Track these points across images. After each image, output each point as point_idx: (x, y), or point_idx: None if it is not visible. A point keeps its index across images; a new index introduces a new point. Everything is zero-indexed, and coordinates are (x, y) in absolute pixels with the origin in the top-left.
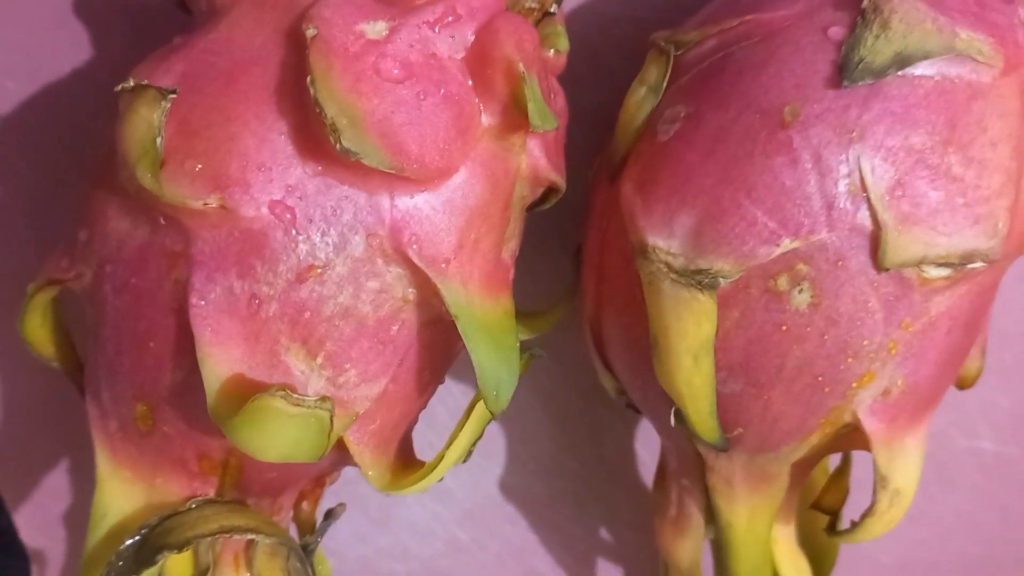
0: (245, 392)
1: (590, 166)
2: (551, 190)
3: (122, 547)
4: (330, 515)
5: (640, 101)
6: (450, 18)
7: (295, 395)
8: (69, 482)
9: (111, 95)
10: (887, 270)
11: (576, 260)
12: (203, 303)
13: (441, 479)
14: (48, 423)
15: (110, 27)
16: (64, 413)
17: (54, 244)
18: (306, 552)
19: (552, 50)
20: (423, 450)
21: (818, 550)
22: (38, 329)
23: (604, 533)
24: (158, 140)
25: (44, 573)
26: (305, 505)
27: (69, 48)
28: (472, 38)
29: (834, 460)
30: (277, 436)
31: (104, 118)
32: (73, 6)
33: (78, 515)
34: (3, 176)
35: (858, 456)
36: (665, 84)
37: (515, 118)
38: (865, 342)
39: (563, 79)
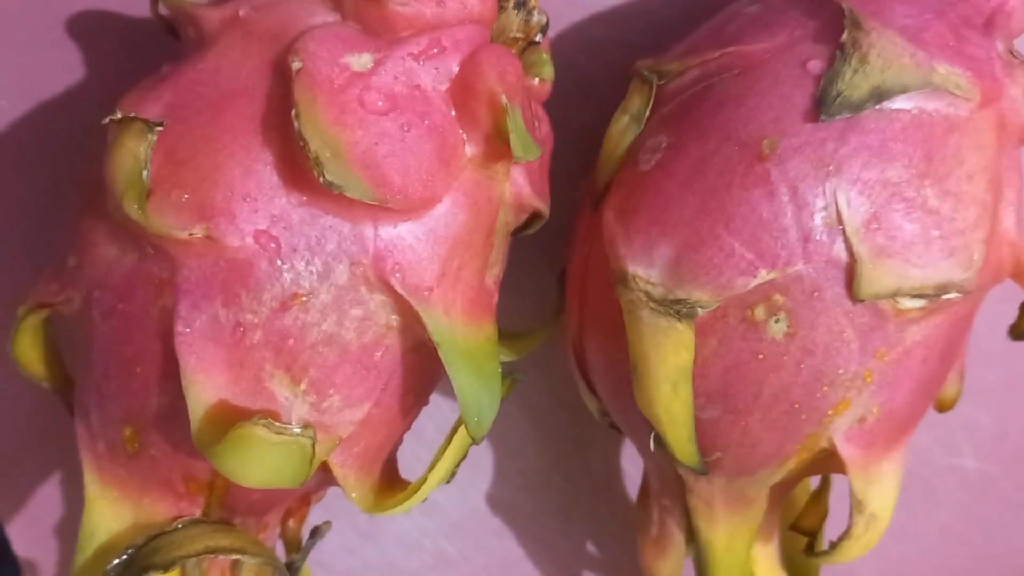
0: (229, 418)
1: (577, 187)
2: (535, 216)
3: (110, 567)
4: (316, 533)
5: (623, 130)
6: (435, 50)
7: (277, 424)
8: (60, 494)
9: (104, 114)
10: (862, 301)
11: (561, 282)
12: (188, 331)
13: (425, 500)
14: (39, 435)
15: (103, 46)
16: (55, 425)
17: (48, 261)
18: (291, 571)
19: (537, 79)
20: (411, 464)
21: (799, 569)
22: (28, 350)
23: (590, 546)
24: (144, 173)
25: None
26: (291, 523)
27: (62, 67)
28: (456, 69)
29: (814, 481)
30: (259, 463)
31: (97, 137)
32: (66, 26)
33: (69, 526)
34: None
35: (837, 476)
36: (647, 113)
37: (498, 148)
38: (841, 371)
39: (550, 100)
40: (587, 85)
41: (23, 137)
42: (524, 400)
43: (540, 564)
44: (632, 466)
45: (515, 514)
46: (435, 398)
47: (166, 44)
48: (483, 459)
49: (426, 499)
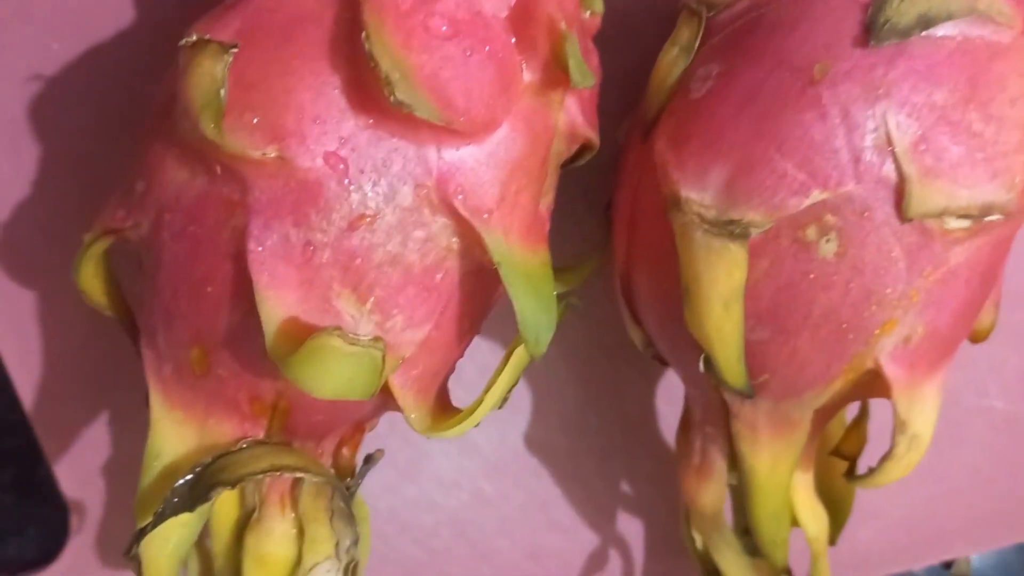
0: (300, 334)
1: (618, 127)
2: (585, 147)
3: (177, 484)
4: (369, 460)
5: (672, 61)
6: None
7: (351, 335)
8: (108, 435)
9: (155, 55)
10: (910, 221)
11: (606, 217)
12: (260, 249)
13: (477, 424)
14: (86, 376)
15: None
16: (102, 367)
17: (100, 202)
18: (348, 493)
19: (588, 12)
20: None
21: (835, 499)
22: (91, 279)
23: (625, 486)
24: (221, 92)
25: (83, 524)
26: (345, 451)
27: (113, 10)
28: None
29: (851, 412)
30: (333, 373)
31: (149, 78)
32: None
33: (117, 467)
34: (49, 137)
35: (874, 409)
36: (697, 44)
37: (555, 75)
38: (888, 290)
39: (594, 42)
40: (629, 26)
41: (76, 79)
42: (562, 343)
43: (576, 503)
44: (667, 407)
45: (552, 454)
46: (475, 340)
47: None
48: (521, 400)
49: (477, 425)
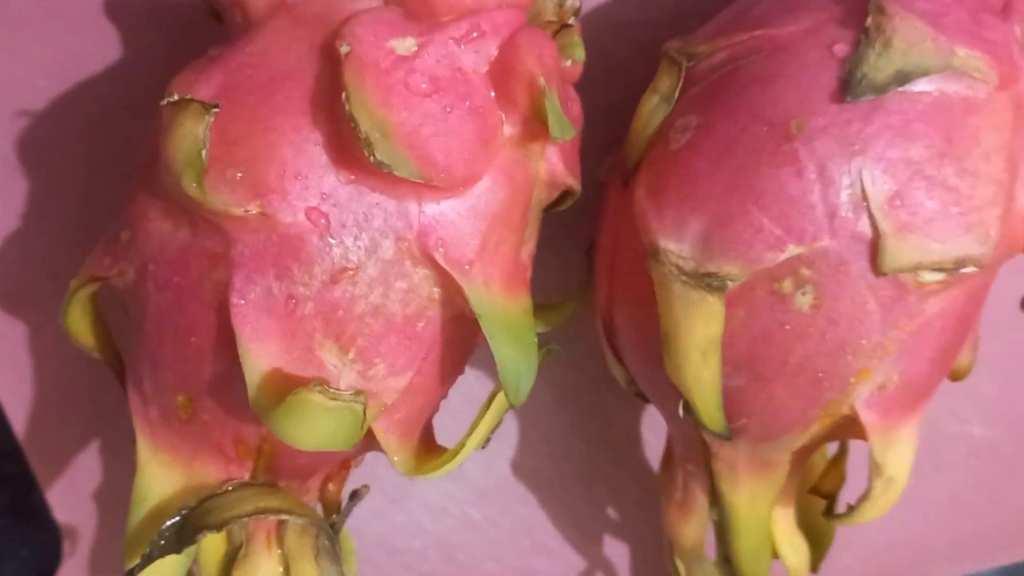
0: (283, 385)
1: (600, 164)
2: (567, 193)
3: (164, 527)
4: (355, 496)
5: (653, 109)
6: (475, 34)
7: (332, 390)
8: (100, 461)
9: (143, 92)
10: (885, 275)
11: (589, 256)
12: (243, 302)
13: (460, 464)
14: (80, 403)
15: (141, 25)
16: (95, 393)
17: (88, 237)
18: (333, 531)
19: (569, 60)
20: (438, 432)
21: (816, 531)
22: (79, 321)
23: (611, 511)
24: (203, 152)
25: (75, 548)
26: (331, 486)
27: (101, 46)
28: (495, 52)
29: (832, 447)
30: (315, 427)
31: (135, 115)
32: (106, 5)
33: (109, 493)
34: (37, 172)
35: (855, 442)
36: (677, 94)
37: (535, 128)
38: (863, 341)
39: (577, 81)
40: (613, 65)
41: (62, 116)
42: (549, 371)
43: (563, 528)
44: (652, 434)
45: (539, 480)
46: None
47: (205, 25)
48: (509, 428)
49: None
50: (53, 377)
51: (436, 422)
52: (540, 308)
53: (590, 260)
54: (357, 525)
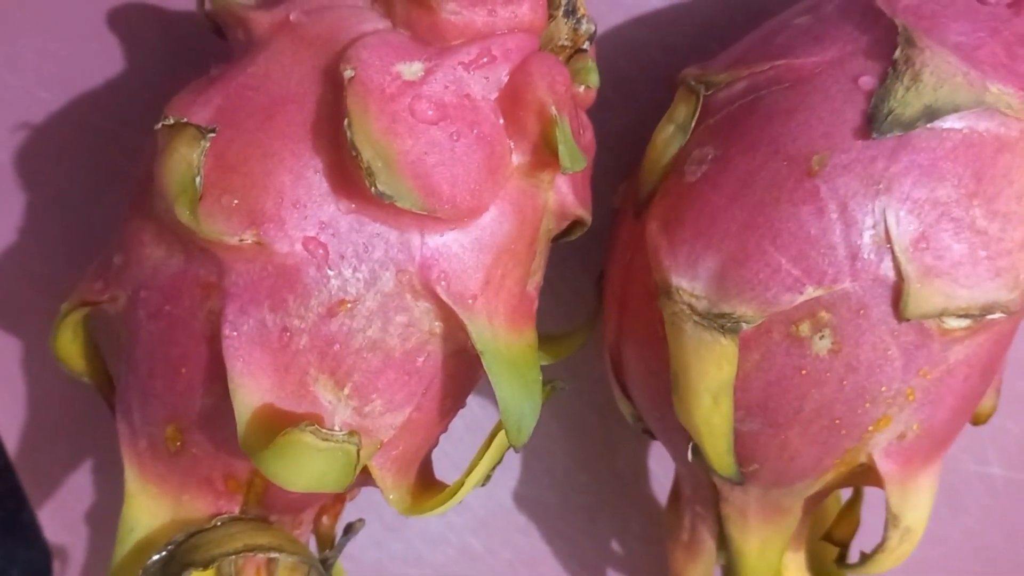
0: (275, 422)
1: (614, 190)
2: (577, 223)
3: (150, 562)
4: (349, 530)
5: (668, 139)
6: (485, 59)
7: (324, 430)
8: (92, 481)
9: (144, 105)
10: (908, 320)
11: (599, 286)
12: (235, 334)
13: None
14: (73, 422)
15: (143, 39)
16: (88, 414)
17: (87, 253)
18: (325, 566)
19: (583, 86)
20: (439, 460)
21: (827, 573)
22: (69, 345)
23: (615, 545)
24: (197, 179)
25: (66, 569)
26: (325, 519)
27: (102, 59)
28: (506, 79)
29: (846, 492)
30: (306, 468)
31: (137, 128)
32: (106, 17)
33: (100, 513)
34: (36, 185)
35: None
36: (694, 124)
37: (545, 157)
38: (883, 388)
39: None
40: (628, 88)
41: (63, 129)
42: (554, 401)
43: (565, 561)
44: (658, 467)
45: (541, 511)
46: None
47: (207, 37)
48: (511, 457)
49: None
50: (46, 395)
51: (438, 450)
52: (547, 339)
53: (600, 290)
54: (355, 553)
